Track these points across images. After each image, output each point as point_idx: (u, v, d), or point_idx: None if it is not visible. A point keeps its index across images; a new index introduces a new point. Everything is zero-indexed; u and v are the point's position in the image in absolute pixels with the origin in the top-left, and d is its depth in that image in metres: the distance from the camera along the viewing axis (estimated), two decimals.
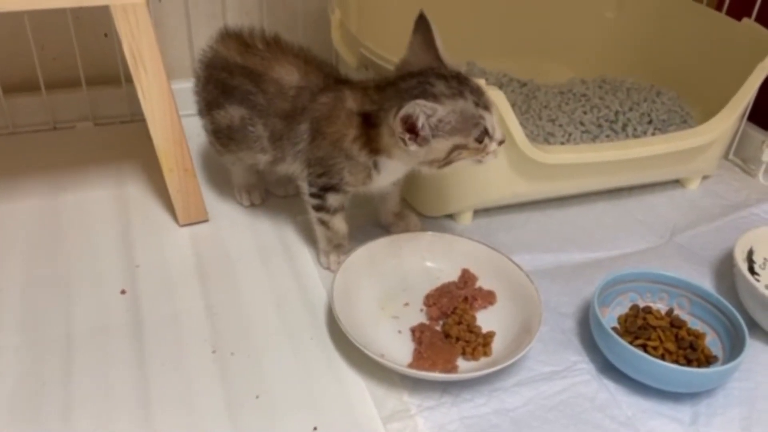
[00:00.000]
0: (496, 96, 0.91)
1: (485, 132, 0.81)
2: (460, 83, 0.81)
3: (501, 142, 0.83)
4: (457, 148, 0.81)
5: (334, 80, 0.90)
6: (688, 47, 1.26)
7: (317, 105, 0.88)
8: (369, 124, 0.84)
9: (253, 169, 1.04)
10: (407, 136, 0.79)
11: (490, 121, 0.81)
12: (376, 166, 0.87)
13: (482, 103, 0.81)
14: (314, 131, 0.88)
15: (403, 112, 0.77)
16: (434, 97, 0.79)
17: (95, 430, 0.73)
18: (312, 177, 0.90)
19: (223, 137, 0.97)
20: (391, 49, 0.97)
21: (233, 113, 0.93)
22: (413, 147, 0.80)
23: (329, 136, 0.86)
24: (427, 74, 0.82)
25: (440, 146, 0.81)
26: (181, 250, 0.98)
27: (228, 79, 0.93)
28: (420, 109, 0.77)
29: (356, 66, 1.04)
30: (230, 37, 0.96)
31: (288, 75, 0.90)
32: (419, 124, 0.78)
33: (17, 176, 1.10)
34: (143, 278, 0.92)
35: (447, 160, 0.82)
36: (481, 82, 0.90)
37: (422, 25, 0.85)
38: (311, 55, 0.94)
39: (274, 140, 0.92)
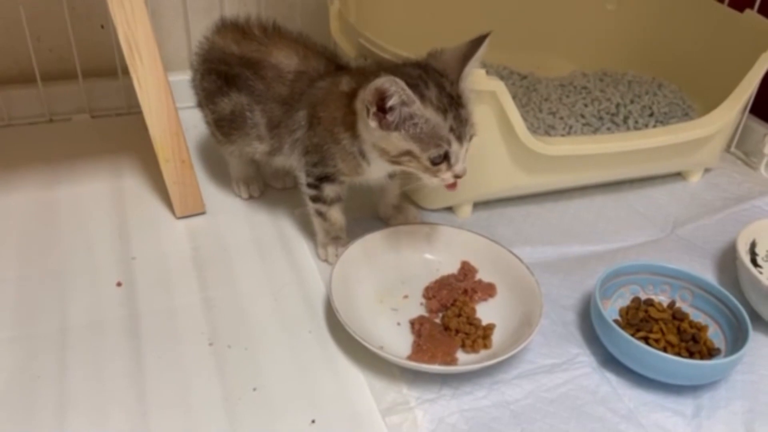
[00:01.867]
0: (497, 86, 0.90)
1: (444, 157, 0.79)
2: (450, 103, 0.78)
3: (458, 176, 0.80)
4: (409, 154, 0.79)
5: (336, 66, 0.90)
6: (690, 39, 1.26)
7: (314, 90, 0.87)
8: (354, 101, 0.81)
9: (252, 161, 1.03)
10: (373, 109, 0.77)
11: (457, 151, 0.79)
12: (363, 155, 0.85)
13: (459, 132, 0.78)
14: (311, 117, 0.87)
15: (380, 81, 0.74)
16: (421, 97, 0.76)
17: (90, 424, 0.72)
18: (308, 166, 0.90)
19: (224, 126, 0.96)
20: (390, 39, 0.96)
21: (235, 100, 0.92)
22: (373, 123, 0.77)
23: (323, 121, 0.85)
24: (431, 75, 0.79)
25: (396, 142, 0.78)
26: (177, 243, 0.97)
27: (227, 69, 0.92)
28: (396, 90, 0.74)
29: (355, 56, 1.03)
30: (226, 27, 0.95)
31: (287, 59, 0.90)
32: (390, 102, 0.75)
33: (13, 169, 1.09)
34: (139, 271, 0.91)
35: (395, 160, 0.80)
36: (482, 73, 0.89)
37: (477, 42, 0.82)
38: (311, 41, 0.93)
39: (271, 127, 0.91)
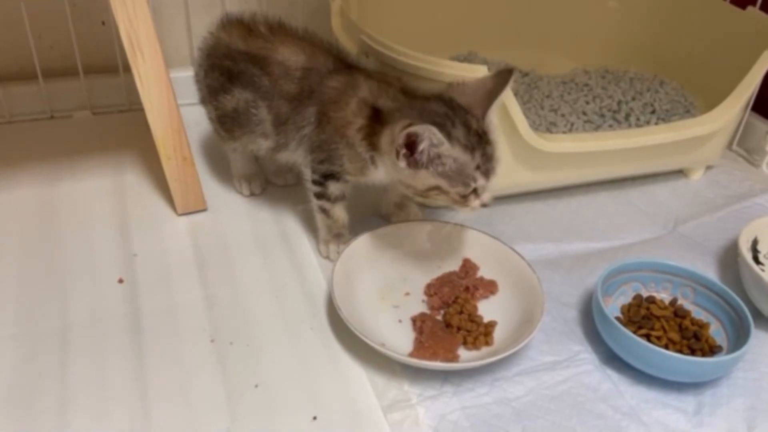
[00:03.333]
0: None
1: (473, 192, 0.81)
2: (478, 141, 0.79)
3: (485, 205, 0.82)
4: (437, 188, 0.81)
5: (346, 65, 0.89)
6: (692, 36, 1.25)
7: (326, 88, 0.87)
8: (378, 120, 0.83)
9: (254, 158, 1.03)
10: (404, 151, 0.78)
11: (483, 185, 0.81)
12: (372, 161, 0.86)
13: (485, 168, 0.80)
14: (321, 114, 0.87)
15: (413, 129, 0.75)
16: (448, 136, 0.77)
17: (92, 420, 0.72)
18: (314, 163, 0.90)
19: (227, 122, 0.96)
20: (392, 36, 0.96)
21: (238, 97, 0.92)
22: (402, 164, 0.79)
23: (334, 120, 0.86)
24: (458, 114, 0.80)
25: (424, 179, 0.80)
26: (179, 240, 0.97)
27: (232, 65, 0.92)
28: (428, 135, 0.75)
29: (356, 53, 1.03)
30: (231, 23, 0.95)
31: (293, 56, 0.90)
32: (420, 147, 0.77)
33: (14, 165, 1.09)
34: (141, 268, 0.91)
35: (423, 194, 0.82)
36: (483, 68, 0.89)
37: (502, 78, 0.83)
38: (317, 38, 0.93)
39: (278, 124, 0.91)
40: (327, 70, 0.88)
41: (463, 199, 0.81)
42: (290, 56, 0.90)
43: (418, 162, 0.78)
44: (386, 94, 0.84)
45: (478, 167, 0.79)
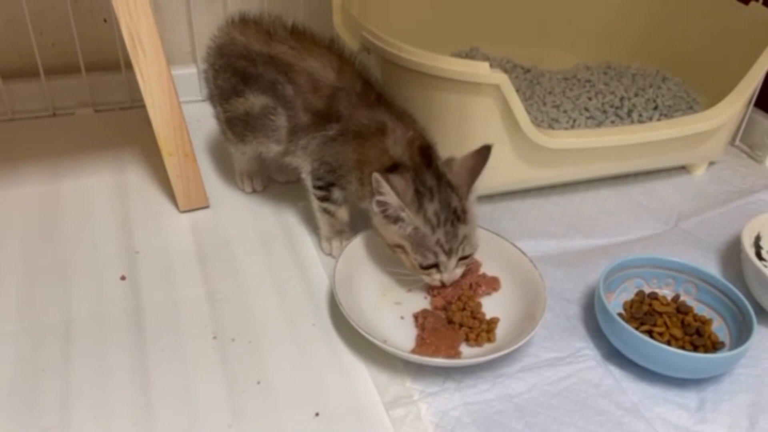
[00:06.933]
0: (501, 80, 0.90)
1: (434, 266, 0.82)
2: (450, 220, 0.81)
3: (444, 284, 0.84)
4: (401, 248, 0.83)
5: (377, 95, 0.88)
6: (695, 32, 1.25)
7: (356, 120, 0.86)
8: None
9: (258, 157, 1.03)
10: (377, 196, 0.81)
11: (446, 262, 0.82)
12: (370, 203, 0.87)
13: (449, 247, 0.81)
14: (344, 137, 0.86)
15: (378, 177, 0.78)
16: (418, 206, 0.80)
17: (94, 416, 0.72)
18: (320, 171, 0.89)
19: (238, 126, 0.94)
20: (394, 32, 0.96)
21: (254, 101, 0.90)
22: (376, 208, 0.82)
23: (356, 154, 0.86)
24: (442, 190, 0.82)
25: (392, 234, 0.83)
26: (181, 236, 0.97)
27: (249, 67, 0.90)
28: (384, 191, 0.79)
29: (358, 50, 1.02)
30: (246, 23, 0.93)
31: (323, 70, 0.88)
32: (378, 197, 0.80)
33: (16, 163, 1.09)
34: (143, 264, 0.91)
35: (390, 248, 0.84)
36: (485, 65, 0.89)
37: (483, 155, 0.84)
38: (344, 52, 0.91)
39: (293, 132, 0.90)
40: (356, 93, 0.87)
41: (423, 270, 0.83)
42: (320, 70, 0.88)
43: (382, 213, 0.81)
44: (409, 152, 0.84)
45: (438, 243, 0.81)
